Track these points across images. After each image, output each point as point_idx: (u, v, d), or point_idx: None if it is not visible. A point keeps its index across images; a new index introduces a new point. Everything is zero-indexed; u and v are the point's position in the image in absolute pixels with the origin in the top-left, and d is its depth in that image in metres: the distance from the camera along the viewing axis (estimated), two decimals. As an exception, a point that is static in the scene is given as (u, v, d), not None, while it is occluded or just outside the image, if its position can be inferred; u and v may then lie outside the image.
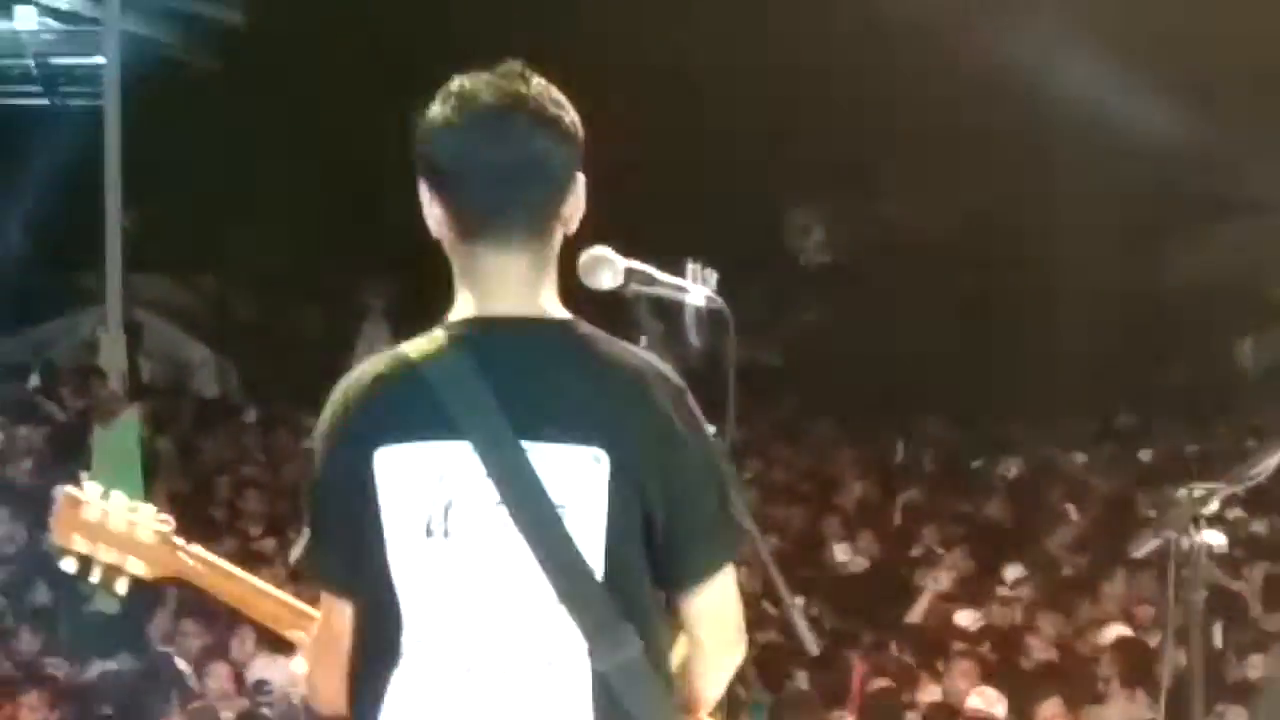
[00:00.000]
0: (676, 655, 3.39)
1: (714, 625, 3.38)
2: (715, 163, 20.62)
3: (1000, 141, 19.90)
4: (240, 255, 21.31)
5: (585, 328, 3.31)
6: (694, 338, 3.69)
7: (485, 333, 3.29)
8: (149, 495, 13.32)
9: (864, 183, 22.07)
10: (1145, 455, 17.35)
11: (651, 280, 3.58)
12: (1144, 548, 3.75)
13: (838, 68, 19.86)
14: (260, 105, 19.87)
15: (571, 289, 3.50)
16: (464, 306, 3.34)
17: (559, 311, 3.34)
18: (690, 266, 3.68)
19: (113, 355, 17.89)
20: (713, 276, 3.69)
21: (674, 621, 3.38)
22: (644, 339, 3.51)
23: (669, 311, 3.64)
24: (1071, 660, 10.68)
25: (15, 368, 19.80)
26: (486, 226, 3.30)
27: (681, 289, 3.60)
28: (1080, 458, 17.70)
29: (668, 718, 3.32)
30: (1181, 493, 3.30)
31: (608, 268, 3.52)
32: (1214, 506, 3.24)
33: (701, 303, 3.65)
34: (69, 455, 14.54)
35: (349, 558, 3.31)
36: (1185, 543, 3.30)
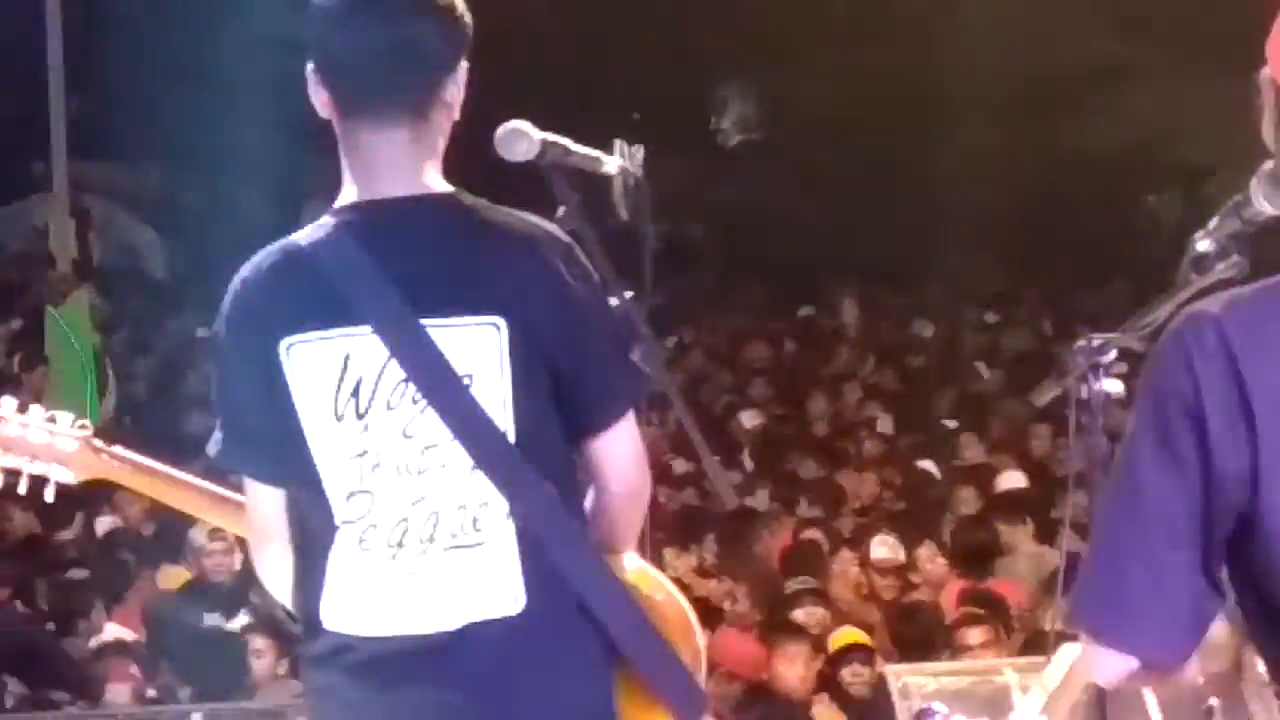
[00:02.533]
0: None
1: (620, 470, 3.39)
2: (638, 42, 20.49)
3: (910, 13, 19.86)
4: (186, 139, 21.11)
5: (469, 199, 3.33)
6: (618, 209, 3.69)
7: (373, 215, 3.28)
8: (100, 376, 13.39)
9: (780, 61, 21.97)
10: (1051, 312, 17.49)
11: (568, 152, 3.56)
12: (1045, 396, 3.76)
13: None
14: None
15: (491, 161, 3.49)
16: (350, 191, 3.32)
17: (443, 187, 3.32)
18: (617, 143, 3.68)
19: (63, 240, 17.75)
20: (639, 152, 3.69)
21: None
22: (561, 209, 3.49)
23: (589, 183, 3.63)
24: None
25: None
26: (366, 108, 3.29)
27: (597, 160, 3.60)
28: (991, 316, 17.83)
29: (592, 565, 3.33)
30: (1080, 343, 3.31)
31: (523, 139, 3.50)
32: (1111, 355, 3.24)
33: (617, 173, 3.65)
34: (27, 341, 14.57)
35: (267, 446, 3.30)
36: (1084, 390, 3.31)
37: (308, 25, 3.31)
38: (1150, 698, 2.90)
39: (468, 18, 3.33)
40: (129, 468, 3.80)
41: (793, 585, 9.21)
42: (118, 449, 3.82)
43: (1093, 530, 2.79)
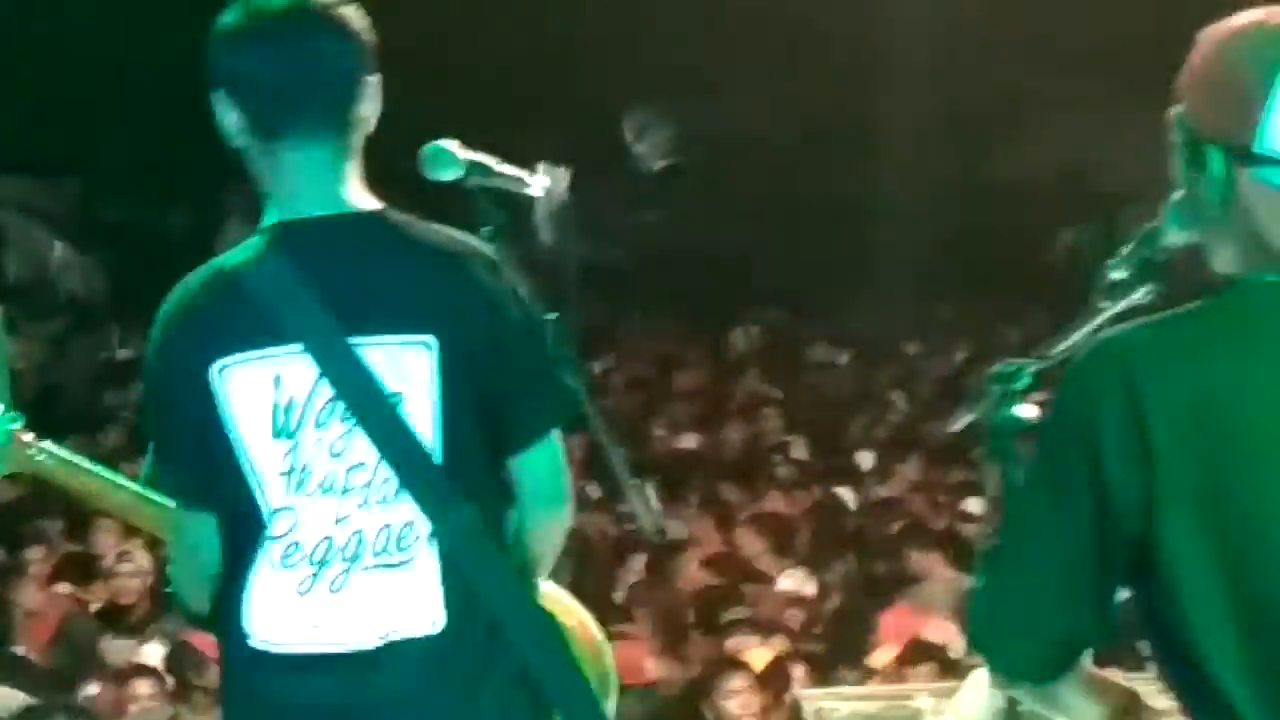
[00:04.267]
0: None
1: (543, 487, 3.44)
2: (562, 68, 20.53)
3: (833, 44, 19.99)
4: (106, 156, 20.98)
5: (396, 216, 3.38)
6: (541, 232, 3.72)
7: (299, 235, 3.32)
8: (14, 390, 13.27)
9: (701, 87, 22.05)
10: (970, 341, 17.60)
11: (492, 173, 3.59)
12: (959, 423, 3.81)
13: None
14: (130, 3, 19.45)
15: (418, 181, 3.54)
16: (274, 212, 3.35)
17: (369, 204, 3.37)
18: (542, 166, 3.70)
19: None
20: (565, 176, 3.72)
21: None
22: (485, 230, 3.52)
23: (514, 206, 3.66)
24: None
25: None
26: (284, 128, 3.32)
27: (520, 181, 3.63)
28: (911, 346, 17.92)
29: (512, 586, 3.38)
30: (993, 370, 3.35)
31: (448, 160, 3.54)
32: (1024, 382, 3.28)
33: (541, 194, 3.68)
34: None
35: (198, 469, 3.34)
36: (996, 417, 3.35)
37: (215, 50, 3.36)
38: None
39: (372, 34, 3.38)
40: (56, 463, 3.80)
41: (726, 616, 9.24)
42: (48, 444, 3.81)
43: (986, 556, 2.85)
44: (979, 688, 2.94)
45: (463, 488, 3.30)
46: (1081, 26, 19.39)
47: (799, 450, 13.47)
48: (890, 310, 19.24)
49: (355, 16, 3.37)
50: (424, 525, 3.29)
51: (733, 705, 7.86)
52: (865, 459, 13.11)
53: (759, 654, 8.46)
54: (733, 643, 8.64)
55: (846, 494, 12.09)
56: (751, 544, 10.67)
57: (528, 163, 3.72)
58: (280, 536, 3.31)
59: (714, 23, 20.38)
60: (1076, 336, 3.08)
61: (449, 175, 3.54)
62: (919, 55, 20.01)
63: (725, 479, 12.49)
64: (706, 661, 8.58)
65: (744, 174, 21.61)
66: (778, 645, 8.85)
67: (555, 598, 3.56)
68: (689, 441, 14.02)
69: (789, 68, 20.53)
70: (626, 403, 15.11)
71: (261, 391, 3.27)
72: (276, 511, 3.30)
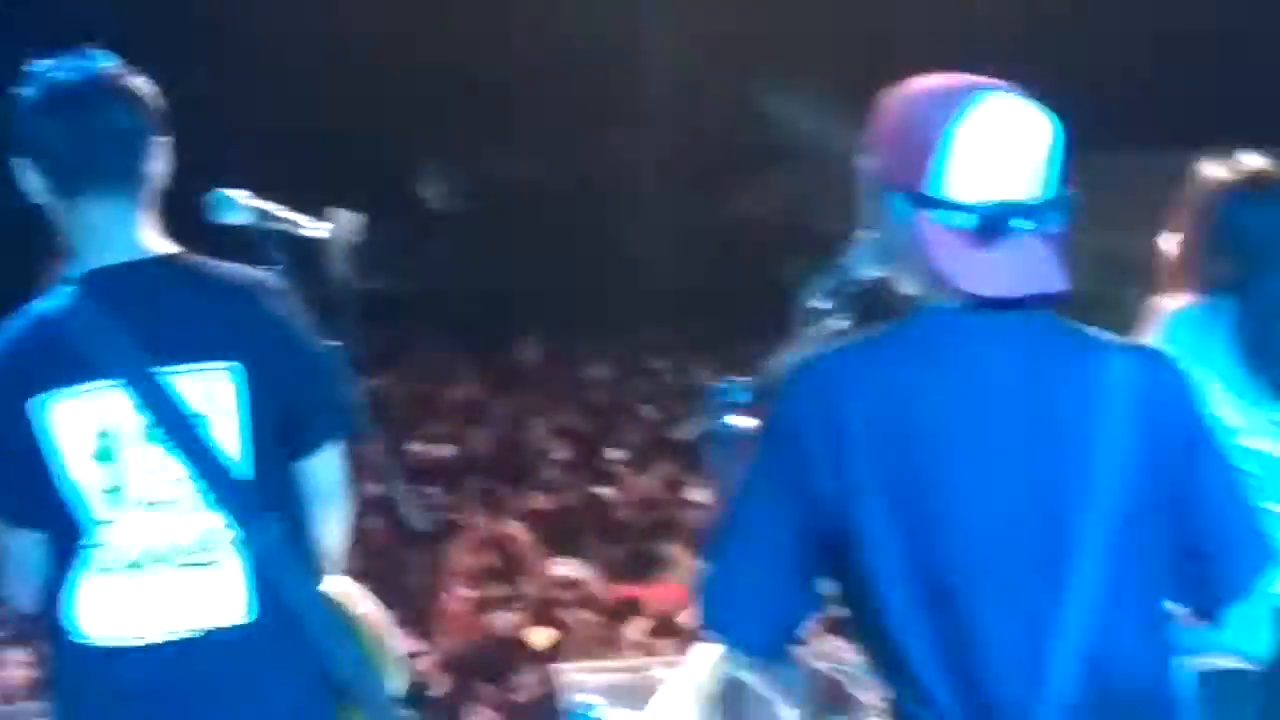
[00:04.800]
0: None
1: (326, 490, 3.45)
2: (360, 127, 20.39)
3: (594, 105, 20.16)
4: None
5: (192, 258, 3.39)
6: (331, 267, 3.74)
7: (106, 281, 3.30)
8: None
9: (483, 141, 22.09)
10: (710, 360, 17.70)
11: (272, 218, 3.62)
12: (692, 431, 3.84)
13: (455, 41, 19.84)
14: None
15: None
16: (81, 261, 3.34)
17: (167, 248, 3.37)
18: (337, 211, 3.72)
19: None
20: (357, 220, 3.74)
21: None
22: (272, 268, 3.52)
23: (302, 245, 3.67)
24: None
25: None
26: (85, 187, 3.32)
27: (296, 224, 3.66)
28: (660, 363, 18.00)
29: (308, 581, 3.39)
30: (716, 385, 3.38)
31: (231, 206, 3.56)
32: (742, 396, 3.32)
33: (323, 235, 3.70)
34: None
35: (21, 494, 3.32)
36: (718, 425, 3.38)
37: (17, 121, 3.34)
38: (769, 686, 2.98)
39: (159, 101, 3.38)
40: None
41: (491, 593, 9.20)
42: None
43: (713, 546, 2.86)
44: (705, 660, 2.94)
45: (267, 496, 3.31)
46: (820, 81, 19.73)
47: (562, 453, 13.47)
48: (645, 332, 19.34)
49: (143, 85, 3.37)
50: (230, 531, 3.29)
51: (518, 680, 7.86)
52: (619, 460, 13.14)
53: (539, 633, 8.48)
54: (508, 622, 8.64)
55: (606, 491, 12.12)
56: (521, 535, 10.66)
57: (330, 207, 3.73)
58: (102, 544, 3.30)
59: (495, 82, 20.33)
60: (786, 357, 3.11)
61: (233, 220, 3.56)
62: (670, 112, 20.25)
63: (497, 479, 12.47)
64: (490, 640, 8.55)
65: (517, 215, 21.64)
66: (549, 625, 8.89)
67: (346, 588, 3.54)
68: (466, 447, 13.98)
69: (563, 122, 20.61)
70: (408, 414, 15.01)
71: (84, 422, 3.25)
72: (99, 524, 3.29)
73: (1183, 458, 2.79)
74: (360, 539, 3.74)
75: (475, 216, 23.06)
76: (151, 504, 3.28)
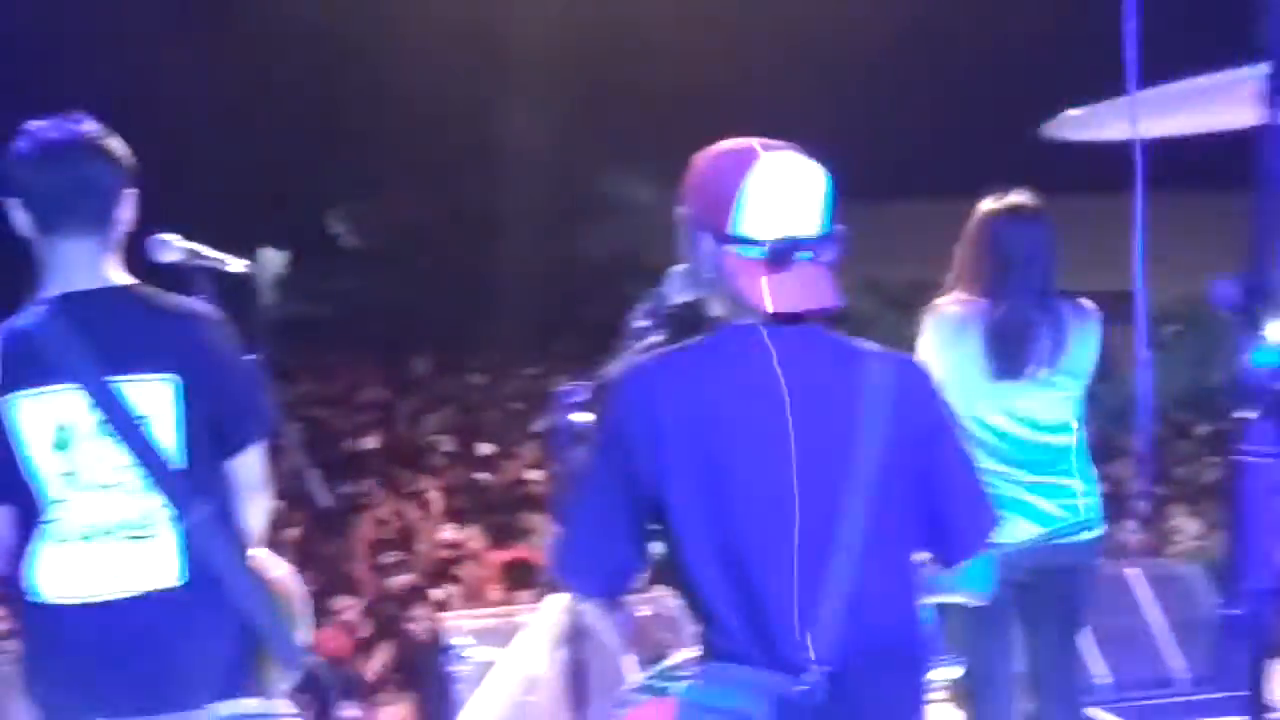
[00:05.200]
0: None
1: (251, 482, 3.42)
2: (282, 176, 20.16)
3: (476, 161, 20.14)
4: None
5: (145, 289, 3.41)
6: (259, 295, 3.75)
7: (73, 303, 3.29)
8: None
9: (384, 189, 22.01)
10: (567, 368, 17.70)
11: (199, 256, 3.63)
12: (544, 424, 3.84)
13: (365, 101, 19.72)
14: None
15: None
16: (53, 286, 3.33)
17: (124, 279, 3.39)
18: (265, 251, 3.72)
19: None
20: (281, 257, 3.74)
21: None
22: (202, 296, 3.51)
23: (229, 278, 3.67)
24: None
25: None
26: (60, 225, 3.32)
27: (222, 262, 3.66)
28: (526, 371, 17.97)
29: (232, 553, 3.35)
30: (560, 388, 3.38)
31: (164, 247, 3.57)
32: (581, 397, 3.32)
33: (247, 271, 3.72)
34: None
35: None
36: (562, 422, 3.38)
37: (11, 168, 3.32)
38: (605, 625, 2.98)
39: (130, 159, 3.37)
40: None
41: (394, 558, 9.13)
42: None
43: (562, 516, 2.88)
44: (556, 606, 2.95)
45: (199, 483, 3.29)
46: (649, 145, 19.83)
47: (448, 445, 13.40)
48: (514, 347, 19.33)
49: (117, 145, 3.37)
50: (166, 510, 3.27)
51: (416, 625, 7.82)
52: (493, 449, 13.09)
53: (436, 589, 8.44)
54: (407, 579, 8.58)
55: (482, 475, 12.07)
56: (415, 510, 10.59)
57: (253, 247, 3.72)
58: (58, 519, 3.27)
59: (399, 142, 20.20)
60: (614, 366, 3.13)
61: (170, 258, 3.57)
62: (533, 155, 20.31)
63: (396, 466, 12.39)
64: (396, 593, 8.48)
65: (415, 250, 21.62)
66: (442, 581, 8.82)
67: (264, 558, 3.52)
68: (369, 441, 13.87)
69: (450, 173, 20.63)
70: (323, 415, 14.86)
71: (45, 417, 3.24)
72: (56, 502, 3.27)
73: (926, 442, 2.85)
74: (285, 519, 3.71)
75: (378, 252, 22.95)
76: (101, 486, 3.26)
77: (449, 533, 9.70)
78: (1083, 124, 5.34)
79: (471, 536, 9.66)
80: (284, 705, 3.45)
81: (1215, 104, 4.64)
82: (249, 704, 3.36)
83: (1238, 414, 1.51)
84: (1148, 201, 4.39)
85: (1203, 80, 4.76)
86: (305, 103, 19.83)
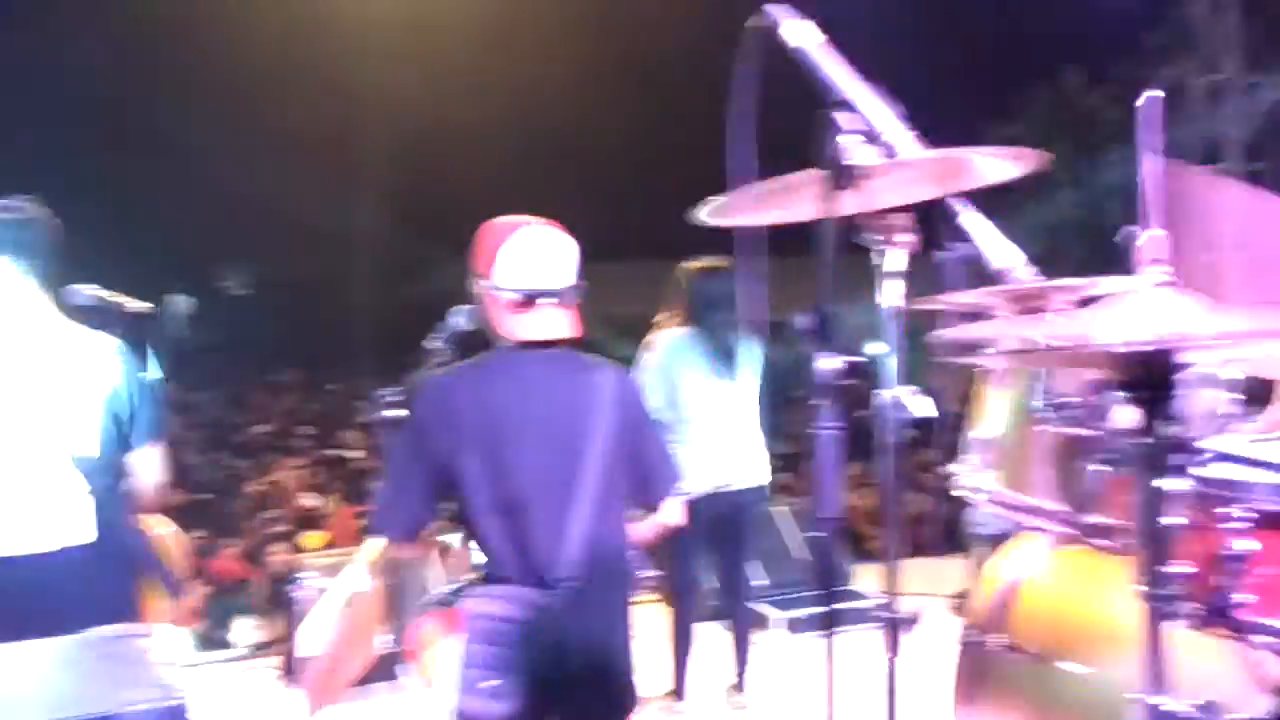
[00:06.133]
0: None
1: (149, 470, 3.26)
2: (182, 234, 19.22)
3: (322, 228, 19.50)
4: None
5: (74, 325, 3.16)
6: (166, 329, 3.57)
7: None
8: None
9: (259, 252, 21.37)
10: (397, 379, 17.37)
11: (107, 302, 3.44)
12: (378, 419, 3.77)
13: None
14: None
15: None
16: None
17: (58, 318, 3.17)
18: (172, 296, 3.57)
19: None
20: (187, 301, 3.59)
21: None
22: (117, 331, 3.34)
23: (137, 317, 3.49)
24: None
25: None
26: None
27: (124, 304, 3.47)
28: (369, 382, 17.59)
29: (126, 518, 3.20)
30: (378, 393, 3.34)
31: (79, 295, 3.38)
32: (395, 397, 3.28)
33: (149, 312, 3.52)
34: None
35: None
36: (381, 416, 3.33)
37: None
38: (408, 561, 2.94)
39: (59, 232, 3.18)
40: None
41: (270, 515, 8.85)
42: None
43: (380, 481, 2.84)
44: (373, 547, 2.90)
45: (105, 468, 3.13)
46: (456, 221, 19.55)
47: (310, 435, 13.05)
48: (361, 365, 18.98)
49: (41, 215, 3.18)
50: (84, 485, 3.11)
51: (276, 560, 7.56)
52: (345, 438, 12.77)
53: (312, 538, 8.22)
54: (284, 535, 8.32)
55: (335, 452, 11.77)
56: (284, 483, 10.29)
57: (159, 292, 3.57)
58: None
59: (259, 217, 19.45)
60: (419, 375, 3.11)
61: (83, 303, 3.38)
62: (373, 234, 19.95)
63: (270, 452, 12.01)
64: (271, 543, 8.20)
65: (288, 292, 20.97)
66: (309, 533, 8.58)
67: (160, 520, 3.38)
68: (253, 433, 13.44)
69: (311, 239, 20.08)
70: (219, 415, 14.34)
71: None
72: None
73: (634, 426, 2.91)
74: (186, 490, 3.54)
75: (259, 295, 22.30)
76: (30, 471, 3.08)
77: (310, 500, 9.44)
78: (717, 212, 5.49)
79: (331, 504, 9.43)
80: (157, 629, 3.31)
81: (796, 198, 4.82)
82: (123, 627, 3.24)
83: (813, 402, 1.66)
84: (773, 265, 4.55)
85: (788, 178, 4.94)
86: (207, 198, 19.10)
